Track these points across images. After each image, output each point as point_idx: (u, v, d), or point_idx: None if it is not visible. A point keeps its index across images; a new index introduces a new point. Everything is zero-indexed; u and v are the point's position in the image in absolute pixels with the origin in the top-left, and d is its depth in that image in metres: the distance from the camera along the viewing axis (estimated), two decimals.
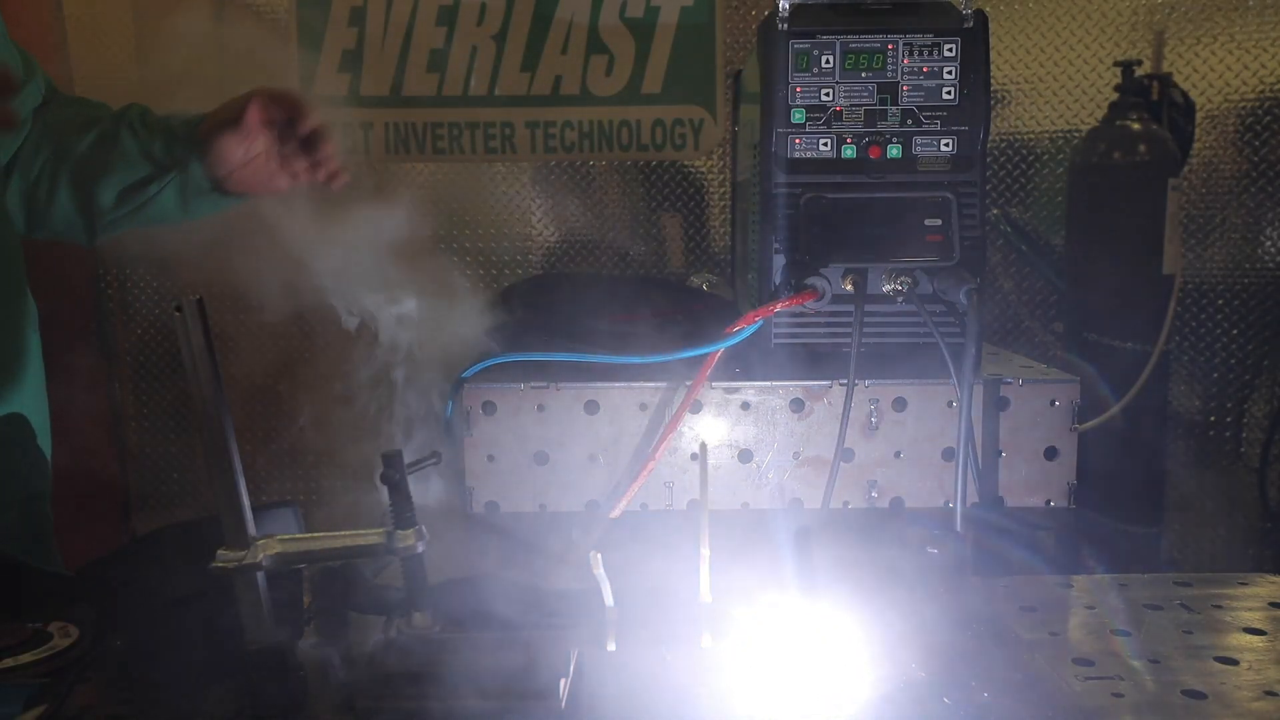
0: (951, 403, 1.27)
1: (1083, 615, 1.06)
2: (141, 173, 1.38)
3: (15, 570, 1.08)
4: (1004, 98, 2.44)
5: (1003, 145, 2.46)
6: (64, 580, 1.10)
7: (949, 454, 1.28)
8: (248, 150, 1.32)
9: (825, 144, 1.30)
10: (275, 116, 1.32)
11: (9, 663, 0.90)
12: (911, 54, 1.29)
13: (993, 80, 1.32)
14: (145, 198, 1.39)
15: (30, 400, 1.36)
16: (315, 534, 0.89)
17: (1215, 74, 2.32)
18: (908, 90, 1.30)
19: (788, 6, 1.29)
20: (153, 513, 2.65)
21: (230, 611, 0.85)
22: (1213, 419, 2.44)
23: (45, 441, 1.40)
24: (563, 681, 0.84)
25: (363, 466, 1.08)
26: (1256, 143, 2.32)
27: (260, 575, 0.86)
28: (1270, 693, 0.87)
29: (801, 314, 1.30)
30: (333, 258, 1.18)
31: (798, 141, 1.30)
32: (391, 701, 0.84)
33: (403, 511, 0.89)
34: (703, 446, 0.99)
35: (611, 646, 0.94)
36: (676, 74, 2.49)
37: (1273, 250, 2.36)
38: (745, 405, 1.30)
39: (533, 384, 1.30)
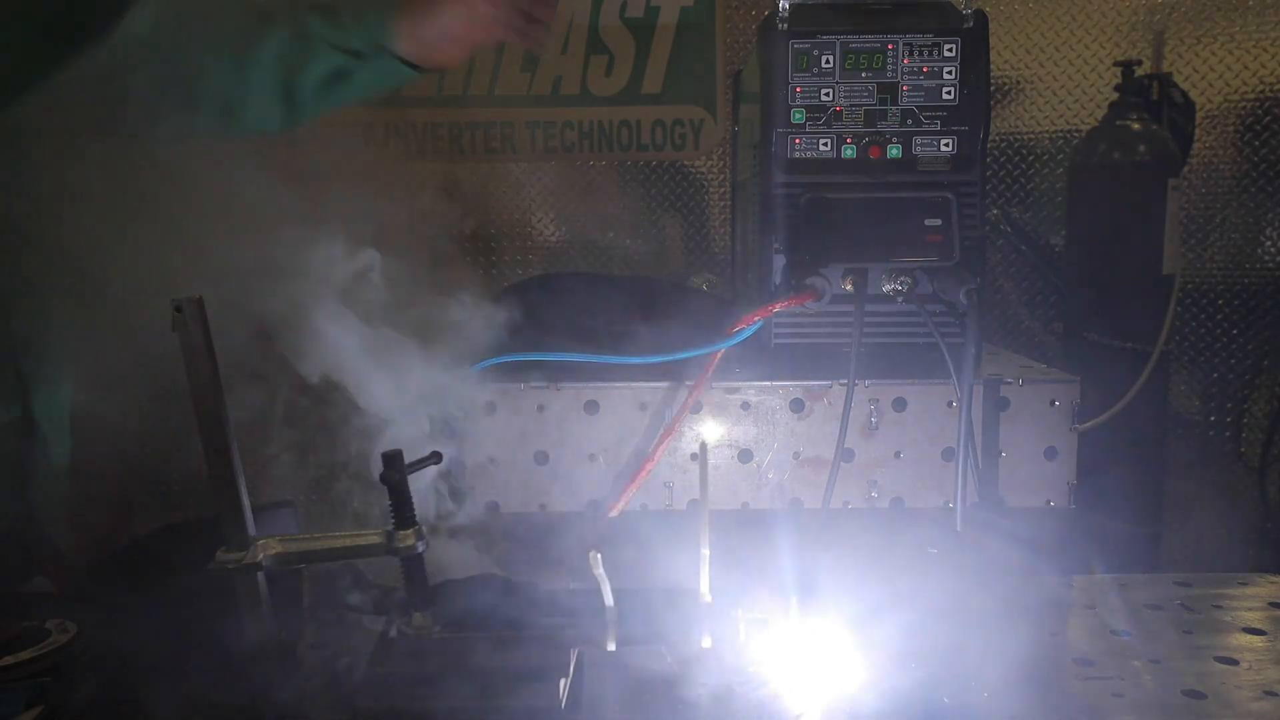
0: (951, 403, 1.27)
1: (1083, 615, 1.06)
2: (336, 62, 1.35)
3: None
4: (1004, 98, 2.44)
5: (1003, 145, 2.46)
6: (63, 578, 1.10)
7: (949, 454, 1.28)
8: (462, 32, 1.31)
9: (825, 144, 1.30)
10: None
11: (8, 660, 0.90)
12: (911, 54, 1.29)
13: (993, 80, 1.32)
14: (344, 87, 1.36)
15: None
16: (315, 534, 0.89)
17: (1215, 74, 2.32)
18: (908, 90, 1.30)
19: (788, 6, 1.29)
20: (153, 513, 2.65)
21: (230, 611, 0.85)
22: (1213, 419, 2.44)
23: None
24: (563, 681, 0.84)
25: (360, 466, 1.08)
26: (1256, 143, 2.32)
27: (260, 575, 0.86)
28: (1270, 693, 0.87)
29: (801, 314, 1.30)
30: (332, 257, 1.18)
31: (798, 141, 1.30)
32: (391, 701, 0.84)
33: (403, 511, 0.89)
34: (703, 446, 0.99)
35: (611, 646, 0.94)
36: (676, 74, 2.49)
37: (1273, 250, 2.36)
38: (745, 405, 1.30)
39: (533, 384, 1.30)
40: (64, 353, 1.38)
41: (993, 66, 1.33)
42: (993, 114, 1.32)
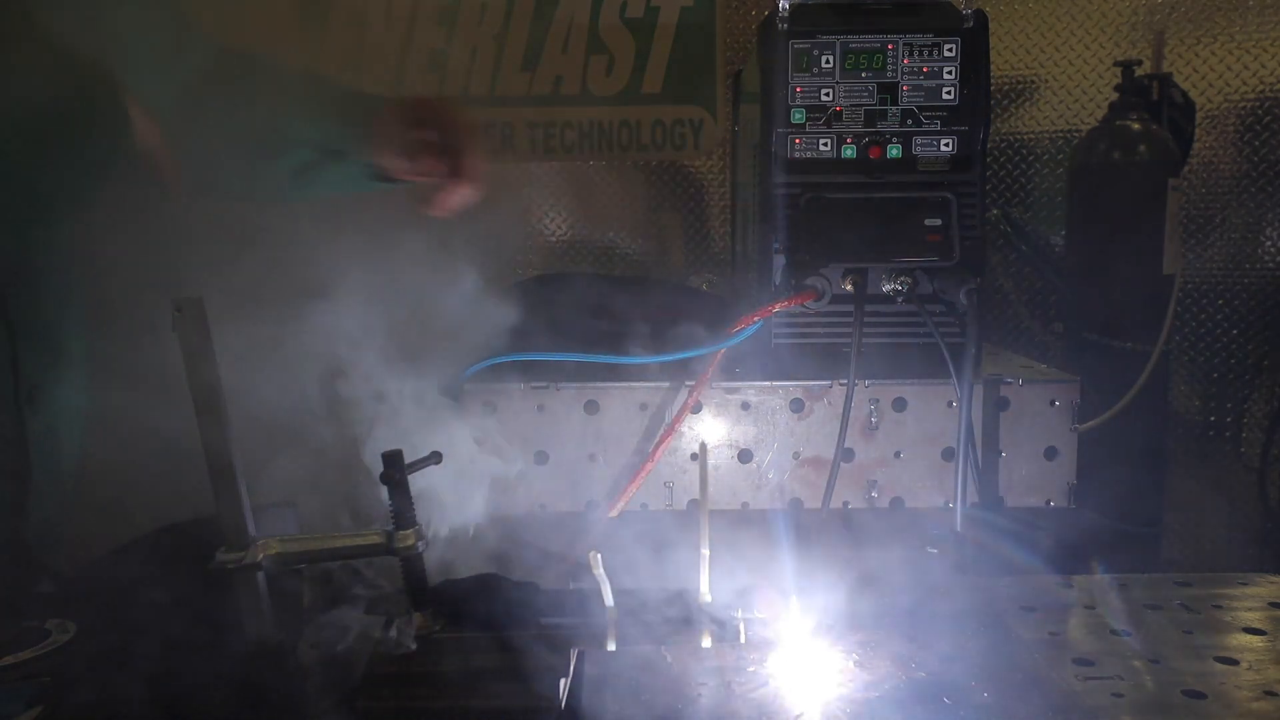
0: (951, 403, 1.27)
1: (1083, 615, 1.06)
2: (306, 157, 1.37)
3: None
4: (1004, 98, 2.44)
5: (1003, 145, 2.46)
6: (62, 579, 1.10)
7: (949, 454, 1.28)
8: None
9: (825, 144, 1.30)
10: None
11: (8, 660, 0.90)
12: (911, 54, 1.29)
13: (993, 80, 1.32)
14: (312, 180, 1.39)
15: None
16: (315, 534, 0.89)
17: (1215, 74, 2.32)
18: (908, 90, 1.30)
19: (788, 6, 1.29)
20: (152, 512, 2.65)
21: (230, 611, 0.85)
22: (1213, 419, 2.43)
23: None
24: (563, 681, 0.84)
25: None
26: (1256, 143, 2.32)
27: (260, 575, 0.86)
28: (1270, 693, 0.87)
29: (801, 314, 1.30)
30: (334, 258, 1.18)
31: (798, 141, 1.30)
32: (391, 701, 0.84)
33: (403, 511, 0.89)
34: (703, 446, 0.99)
35: (611, 646, 0.94)
36: (676, 74, 2.49)
37: (1273, 250, 2.35)
38: (745, 405, 1.30)
39: (533, 384, 1.30)
40: (78, 356, 1.38)
41: (993, 66, 1.33)
42: (993, 114, 1.32)
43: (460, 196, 1.30)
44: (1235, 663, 0.93)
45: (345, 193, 1.44)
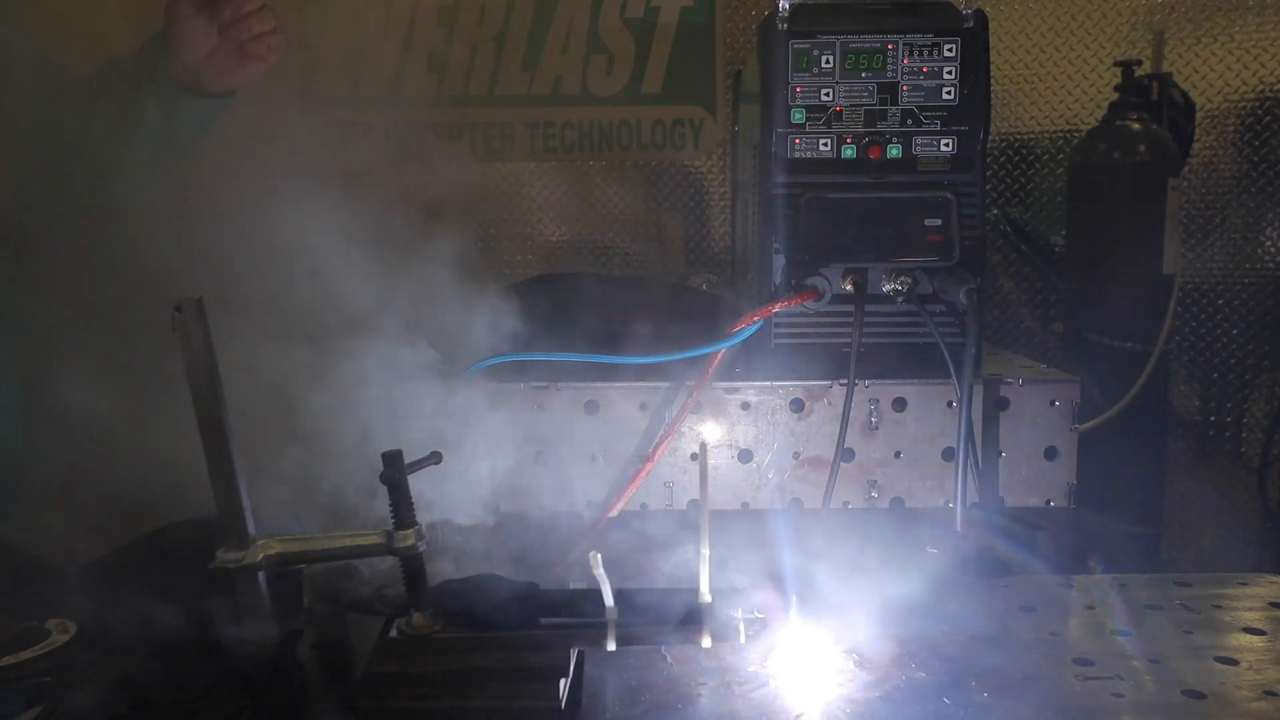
0: (951, 403, 1.27)
1: (1083, 615, 1.06)
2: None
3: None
4: (1004, 98, 2.44)
5: (1003, 145, 2.46)
6: (63, 578, 1.10)
7: (949, 454, 1.28)
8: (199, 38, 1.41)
9: (825, 144, 1.30)
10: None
11: (8, 660, 0.90)
12: (911, 54, 1.29)
13: (993, 80, 1.32)
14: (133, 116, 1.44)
15: None
16: (315, 534, 0.89)
17: (1215, 74, 2.32)
18: (908, 90, 1.29)
19: (788, 6, 1.29)
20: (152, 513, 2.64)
21: (230, 611, 0.85)
22: (1213, 419, 2.43)
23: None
24: (563, 681, 0.84)
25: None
26: (1256, 143, 2.32)
27: (260, 575, 0.86)
28: (1270, 693, 0.87)
29: (801, 314, 1.30)
30: (334, 259, 1.18)
31: (798, 141, 1.30)
32: (391, 701, 0.84)
33: (403, 511, 0.89)
34: (703, 446, 0.99)
35: (611, 646, 0.94)
36: (676, 74, 2.49)
37: (1273, 250, 2.35)
38: (745, 405, 1.30)
39: (533, 384, 1.30)
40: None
41: (993, 66, 1.33)
42: (993, 114, 1.32)
43: (271, 44, 1.45)
44: (1235, 663, 0.93)
45: (182, 129, 1.49)
